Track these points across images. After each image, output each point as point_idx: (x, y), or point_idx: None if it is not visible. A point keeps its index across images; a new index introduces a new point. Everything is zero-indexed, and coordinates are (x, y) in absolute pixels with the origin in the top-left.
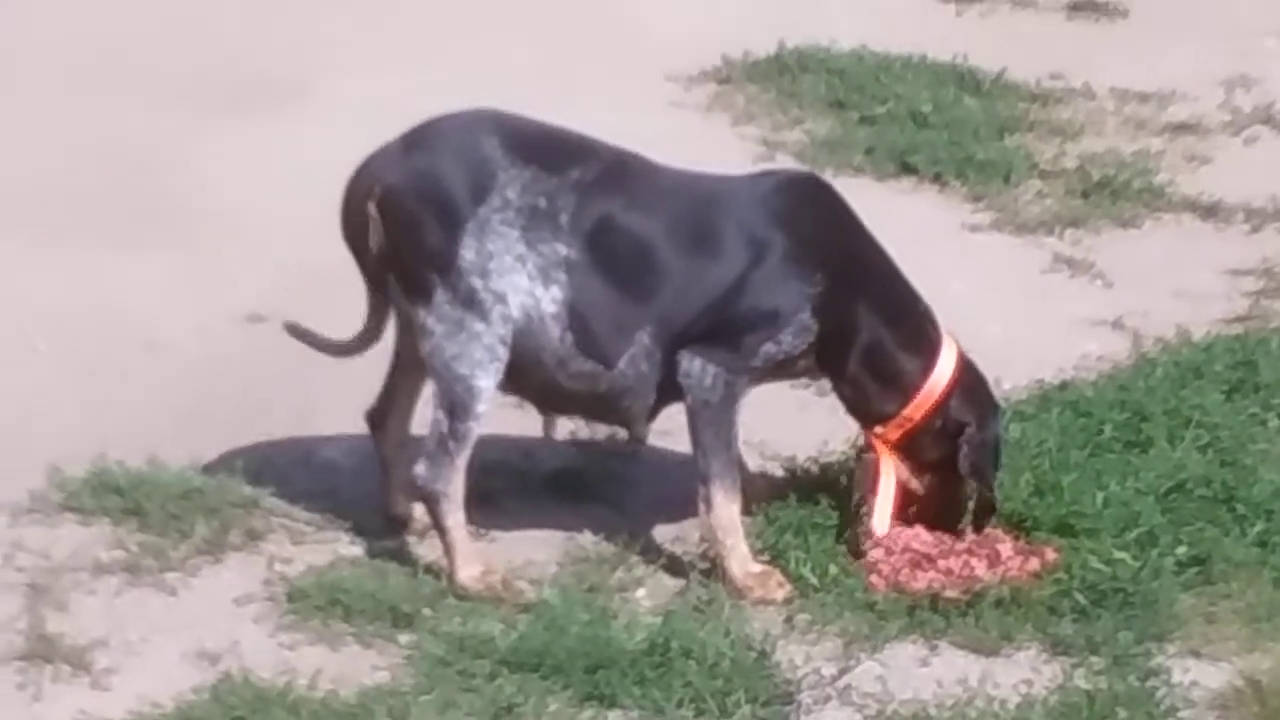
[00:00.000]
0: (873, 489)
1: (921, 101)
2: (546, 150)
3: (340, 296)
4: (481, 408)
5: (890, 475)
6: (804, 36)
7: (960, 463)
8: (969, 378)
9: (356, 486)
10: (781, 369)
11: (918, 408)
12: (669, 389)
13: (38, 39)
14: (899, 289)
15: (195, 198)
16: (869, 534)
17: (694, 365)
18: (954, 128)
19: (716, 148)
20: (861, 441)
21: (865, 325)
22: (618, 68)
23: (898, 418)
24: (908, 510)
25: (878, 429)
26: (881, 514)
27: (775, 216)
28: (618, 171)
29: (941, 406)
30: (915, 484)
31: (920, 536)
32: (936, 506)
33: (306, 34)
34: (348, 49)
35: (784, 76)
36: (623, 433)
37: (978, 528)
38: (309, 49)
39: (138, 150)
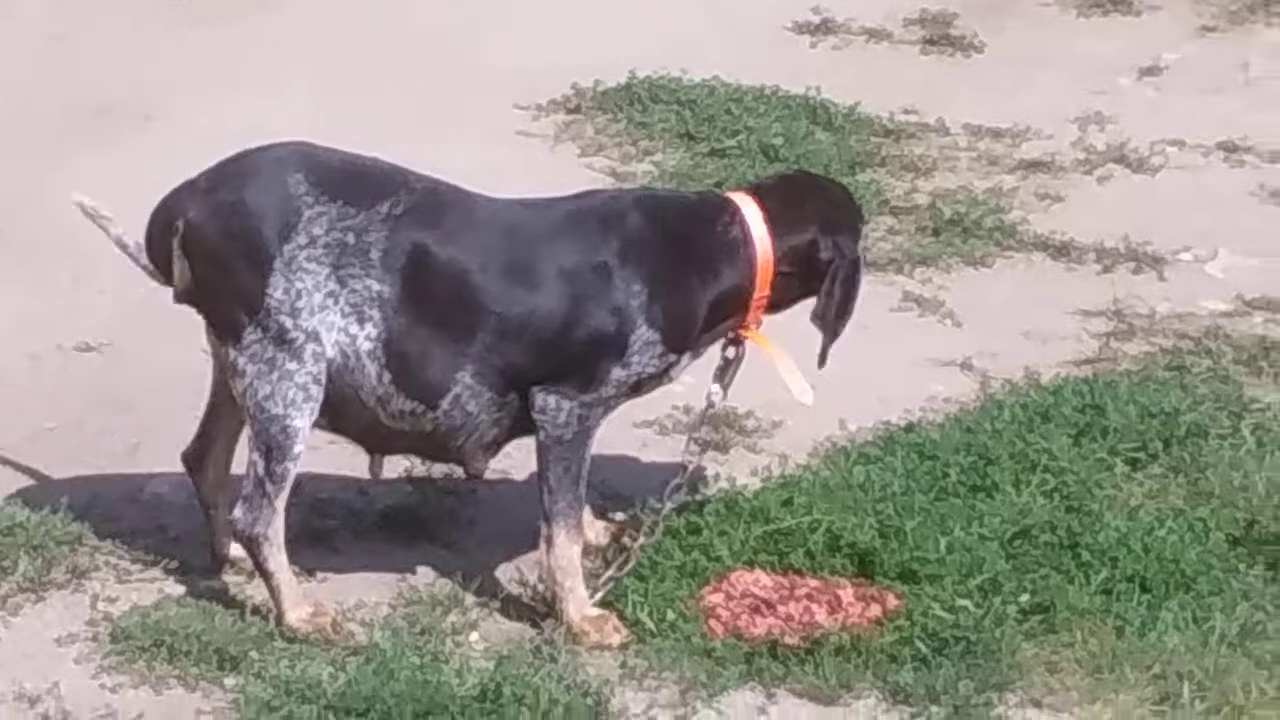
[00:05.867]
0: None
1: (773, 134)
2: (354, 184)
3: (174, 326)
4: (298, 448)
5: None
6: (655, 67)
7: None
8: (787, 216)
9: (186, 523)
10: (639, 390)
11: (762, 284)
12: (513, 426)
13: None
14: (693, 226)
15: (29, 227)
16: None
17: (548, 402)
18: (805, 161)
19: (564, 178)
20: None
21: (689, 287)
22: (466, 95)
23: (755, 302)
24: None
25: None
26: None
27: (584, 242)
28: (430, 203)
29: (779, 264)
30: None
31: (760, 582)
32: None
33: (152, 62)
34: (195, 78)
35: (634, 106)
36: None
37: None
38: (155, 78)
39: None
